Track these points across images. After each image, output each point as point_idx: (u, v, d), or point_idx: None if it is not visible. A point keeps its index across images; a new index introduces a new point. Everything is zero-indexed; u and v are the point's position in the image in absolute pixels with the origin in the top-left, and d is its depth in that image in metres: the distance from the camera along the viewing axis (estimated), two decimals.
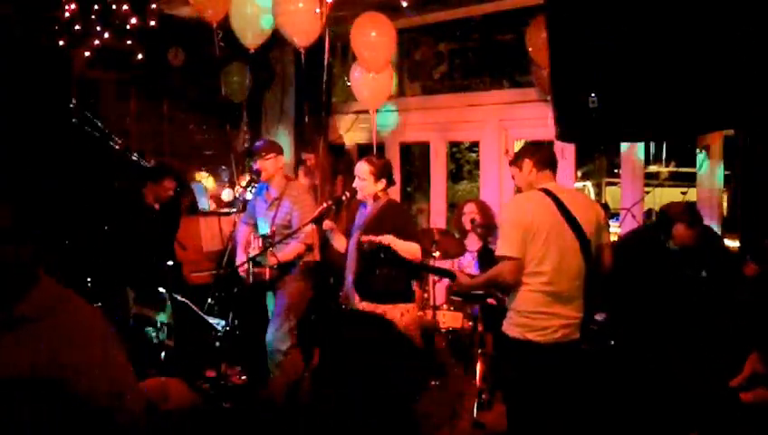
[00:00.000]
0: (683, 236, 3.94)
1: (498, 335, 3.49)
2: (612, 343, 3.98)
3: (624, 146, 5.72)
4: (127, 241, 5.46)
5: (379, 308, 4.11)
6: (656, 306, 4.02)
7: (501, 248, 3.29)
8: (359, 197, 4.31)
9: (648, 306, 4.03)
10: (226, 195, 7.36)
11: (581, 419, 3.44)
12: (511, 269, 3.23)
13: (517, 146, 6.30)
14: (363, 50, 5.63)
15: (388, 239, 3.84)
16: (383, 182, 4.23)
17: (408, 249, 3.96)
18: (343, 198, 4.59)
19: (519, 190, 3.65)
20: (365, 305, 4.17)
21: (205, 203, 7.13)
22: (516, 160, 3.53)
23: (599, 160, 9.41)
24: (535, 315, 3.22)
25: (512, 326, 3.29)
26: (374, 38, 5.60)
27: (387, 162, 4.39)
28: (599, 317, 3.88)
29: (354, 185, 4.29)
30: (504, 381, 3.64)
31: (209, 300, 5.49)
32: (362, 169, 4.24)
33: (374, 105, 6.03)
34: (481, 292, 4.43)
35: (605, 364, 3.80)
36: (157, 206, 5.70)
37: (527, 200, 3.38)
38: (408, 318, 4.15)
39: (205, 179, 7.52)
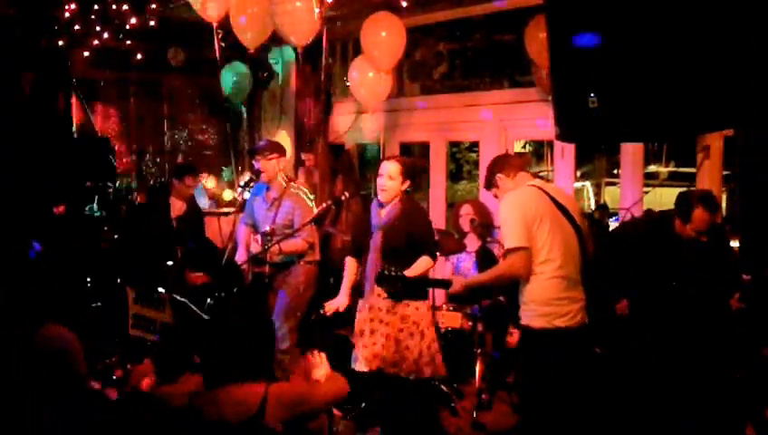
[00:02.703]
0: (701, 220, 3.94)
1: (499, 334, 3.47)
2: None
3: (624, 146, 5.72)
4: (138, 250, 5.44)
5: (398, 305, 4.06)
6: (661, 296, 4.02)
7: (508, 241, 3.25)
8: (382, 198, 4.14)
9: (655, 295, 4.03)
10: (227, 195, 7.35)
11: (593, 410, 3.44)
12: (522, 260, 3.20)
13: (517, 146, 6.29)
14: (373, 49, 5.64)
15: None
16: (408, 182, 4.12)
17: (420, 268, 3.99)
18: (342, 198, 4.57)
19: None
20: (384, 303, 4.12)
21: (204, 203, 7.12)
22: (490, 183, 3.52)
23: (598, 160, 9.40)
24: (558, 302, 3.20)
25: (535, 317, 3.23)
26: (384, 38, 5.62)
27: (415, 162, 4.29)
28: None
29: (381, 185, 4.12)
30: (532, 374, 3.50)
31: (209, 300, 5.48)
32: (392, 168, 4.09)
33: (374, 104, 6.03)
34: (487, 291, 4.40)
35: (612, 362, 3.81)
36: (175, 214, 5.66)
37: (523, 192, 3.38)
38: (424, 314, 4.14)
39: (205, 180, 7.50)
